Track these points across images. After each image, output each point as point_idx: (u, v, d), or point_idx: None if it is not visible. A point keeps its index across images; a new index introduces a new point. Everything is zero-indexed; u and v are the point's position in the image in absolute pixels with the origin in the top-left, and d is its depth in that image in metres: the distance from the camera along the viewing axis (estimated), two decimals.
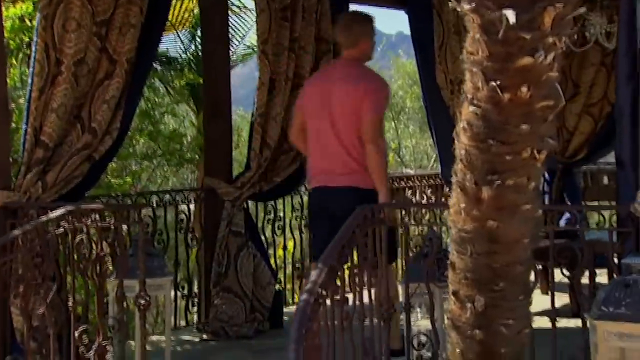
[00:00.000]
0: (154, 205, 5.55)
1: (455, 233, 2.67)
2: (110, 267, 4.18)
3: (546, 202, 6.73)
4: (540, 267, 5.23)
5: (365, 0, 6.81)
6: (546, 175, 6.78)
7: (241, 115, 14.57)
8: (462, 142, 2.61)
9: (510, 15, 2.39)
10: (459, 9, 2.52)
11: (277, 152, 5.79)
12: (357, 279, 3.41)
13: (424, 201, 7.35)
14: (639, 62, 3.42)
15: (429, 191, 7.54)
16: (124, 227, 4.22)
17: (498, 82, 2.42)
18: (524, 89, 2.46)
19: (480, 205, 2.58)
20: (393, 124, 18.53)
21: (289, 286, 6.61)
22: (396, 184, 7.37)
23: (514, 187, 2.55)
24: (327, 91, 4.59)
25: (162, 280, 4.24)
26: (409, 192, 7.46)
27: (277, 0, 5.66)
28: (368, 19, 4.68)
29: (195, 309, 5.82)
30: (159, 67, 8.22)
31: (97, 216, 3.80)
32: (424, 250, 3.80)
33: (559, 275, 4.13)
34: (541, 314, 4.03)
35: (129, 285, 3.92)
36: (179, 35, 8.40)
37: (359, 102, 4.47)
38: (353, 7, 6.13)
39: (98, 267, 3.75)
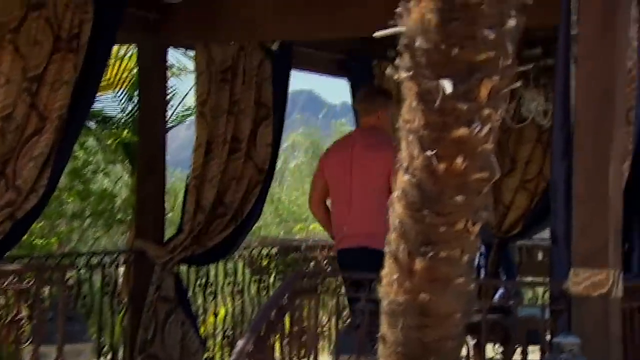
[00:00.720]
0: (79, 267, 5.38)
1: (386, 305, 2.61)
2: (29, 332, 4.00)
3: (482, 276, 6.74)
4: (473, 342, 5.19)
5: (308, 68, 6.86)
6: (482, 249, 6.81)
7: (181, 177, 14.45)
8: (396, 211, 2.57)
9: (447, 85, 2.39)
10: (396, 77, 2.51)
11: (212, 215, 5.71)
12: (289, 349, 3.32)
13: None
14: (573, 138, 3.44)
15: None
16: (46, 289, 4.06)
17: (434, 152, 2.40)
18: (460, 160, 2.45)
19: (413, 277, 2.54)
20: None
21: (218, 355, 6.45)
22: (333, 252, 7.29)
23: (447, 260, 2.52)
24: (348, 158, 4.82)
25: (83, 346, 4.07)
26: None
27: (217, 63, 5.65)
28: (388, 94, 5.07)
29: None
30: (93, 125, 8.11)
31: (16, 278, 3.64)
32: (355, 321, 3.73)
33: (492, 352, 4.09)
34: None
35: (47, 352, 3.75)
36: (117, 95, 8.33)
37: (382, 168, 4.68)
38: (295, 73, 6.16)
39: (14, 332, 3.57)
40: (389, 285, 2.61)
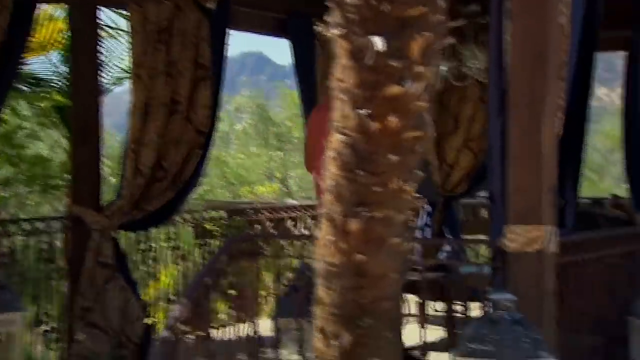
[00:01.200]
0: (13, 234, 5.27)
1: (322, 267, 2.59)
2: None
3: (429, 235, 6.77)
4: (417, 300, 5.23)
5: (247, 28, 6.75)
6: (428, 207, 6.85)
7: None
8: (330, 172, 2.54)
9: (379, 42, 2.35)
10: (327, 34, 2.47)
11: (151, 180, 5.61)
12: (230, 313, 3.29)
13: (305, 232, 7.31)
14: (508, 96, 3.44)
15: (311, 222, 7.50)
16: None
17: (367, 111, 2.37)
18: (393, 119, 2.42)
19: (348, 238, 2.52)
20: (279, 153, 18.53)
21: (161, 321, 6.39)
22: (279, 214, 7.28)
23: (382, 220, 2.50)
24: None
25: (13, 315, 3.98)
26: (291, 223, 7.39)
27: (152, 22, 5.52)
28: None
29: (57, 345, 5.53)
30: (26, 89, 7.90)
31: None
32: (295, 284, 3.71)
33: (433, 309, 4.11)
34: (414, 348, 4.00)
35: None
36: (50, 57, 8.11)
37: None
38: (234, 33, 6.06)
39: None
40: (324, 247, 2.58)
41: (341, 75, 2.47)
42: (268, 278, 4.44)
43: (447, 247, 5.52)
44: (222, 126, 22.93)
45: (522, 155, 3.42)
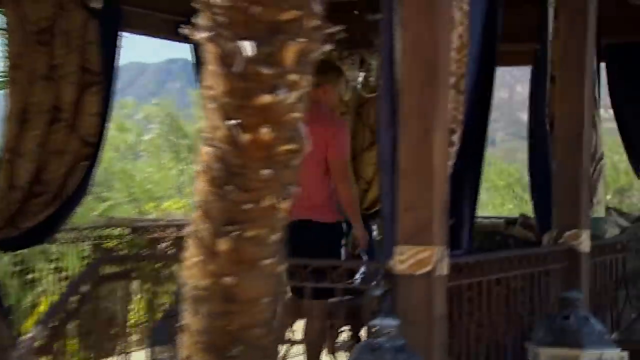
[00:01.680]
0: None
1: (189, 290, 2.50)
2: None
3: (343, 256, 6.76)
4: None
5: (143, 32, 6.61)
6: (344, 226, 6.81)
7: None
8: (199, 187, 2.46)
9: (248, 47, 2.29)
10: (194, 38, 2.39)
11: (29, 194, 5.39)
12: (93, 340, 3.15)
13: None
14: (399, 107, 3.43)
15: None
16: None
17: (237, 121, 2.31)
18: (265, 130, 2.37)
19: (217, 259, 2.46)
20: (192, 167, 18.36)
21: None
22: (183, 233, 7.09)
23: (254, 240, 2.45)
24: None
25: None
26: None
27: (31, 21, 5.32)
28: (340, 70, 5.39)
29: None
30: None
31: None
32: (172, 308, 3.60)
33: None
34: None
35: None
36: None
37: (322, 142, 4.96)
38: (126, 35, 5.90)
39: None
40: (191, 268, 2.50)
41: (210, 82, 2.42)
42: (141, 303, 4.30)
43: (362, 269, 5.51)
44: (129, 137, 22.63)
45: (412, 171, 3.43)
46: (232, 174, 2.34)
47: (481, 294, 3.90)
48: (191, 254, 2.50)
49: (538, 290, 4.43)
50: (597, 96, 5.13)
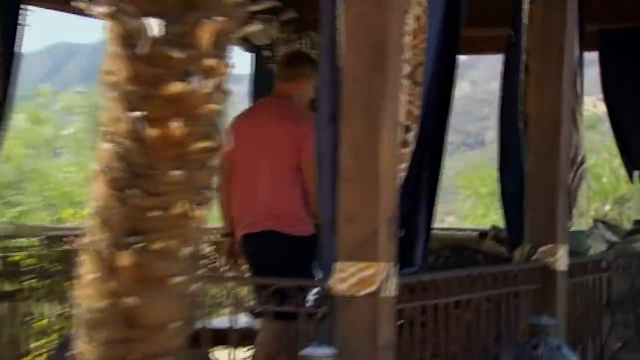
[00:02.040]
0: None
1: (83, 313, 2.49)
2: None
3: None
4: None
5: (51, 6, 6.58)
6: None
7: None
8: (97, 190, 2.46)
9: (155, 25, 2.28)
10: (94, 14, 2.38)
11: None
12: None
13: None
14: (341, 99, 3.47)
15: None
16: None
17: (142, 113, 2.31)
18: (176, 124, 2.37)
19: (117, 276, 2.45)
20: None
21: None
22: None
23: (162, 253, 2.45)
24: (258, 131, 5.02)
25: None
26: None
27: None
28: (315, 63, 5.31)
29: None
30: None
31: None
32: (68, 335, 3.57)
33: None
34: None
35: None
36: None
37: (295, 143, 4.95)
38: (34, 10, 5.87)
39: None
40: (87, 287, 2.49)
41: (111, 66, 2.40)
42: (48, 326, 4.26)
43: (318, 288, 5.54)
44: (46, 131, 22.32)
45: (354, 174, 3.44)
46: (136, 175, 2.34)
47: (437, 318, 3.91)
48: (86, 270, 2.49)
49: (506, 315, 4.46)
50: (579, 90, 5.18)
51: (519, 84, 5.03)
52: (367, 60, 3.41)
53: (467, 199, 25.75)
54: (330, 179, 3.56)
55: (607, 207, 23.78)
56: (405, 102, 3.84)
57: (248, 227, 5.04)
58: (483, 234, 6.57)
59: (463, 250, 6.01)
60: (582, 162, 5.26)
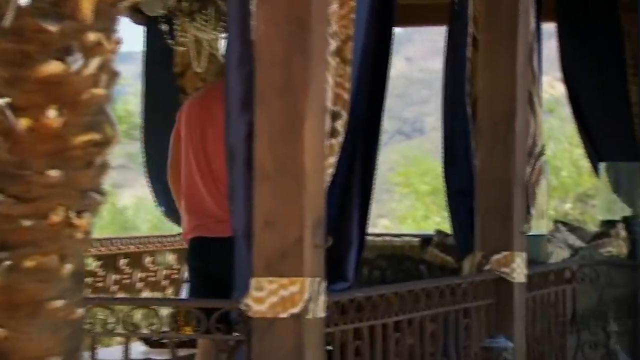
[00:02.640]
0: None
1: None
2: None
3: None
4: None
5: None
6: None
7: None
8: None
9: None
10: None
11: None
12: None
13: None
14: (256, 82, 3.47)
15: None
16: None
17: (8, 100, 2.27)
18: (52, 113, 2.29)
19: None
20: None
21: None
22: None
23: (36, 272, 2.36)
24: (209, 117, 4.98)
25: None
26: None
27: None
28: None
29: None
30: None
31: None
32: None
33: None
34: None
35: None
36: None
37: None
38: None
39: None
40: None
41: None
42: None
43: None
44: None
45: (273, 172, 3.44)
46: (2, 176, 2.31)
47: (373, 343, 3.91)
48: None
49: (455, 337, 4.46)
50: (536, 67, 5.22)
51: (465, 61, 5.07)
52: (285, 34, 3.42)
53: (404, 198, 26.02)
54: (244, 177, 3.57)
55: (568, 206, 24.22)
56: (333, 84, 3.84)
57: (211, 229, 4.97)
58: (426, 241, 6.61)
59: (403, 260, 6.03)
60: (541, 154, 5.29)
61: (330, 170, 3.89)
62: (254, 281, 3.45)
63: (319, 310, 3.48)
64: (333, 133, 3.91)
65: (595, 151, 7.44)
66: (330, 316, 3.62)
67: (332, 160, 3.91)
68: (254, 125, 3.50)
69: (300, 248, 3.42)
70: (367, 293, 3.92)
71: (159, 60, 6.73)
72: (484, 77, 4.92)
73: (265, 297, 3.42)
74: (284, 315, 3.41)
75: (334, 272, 3.85)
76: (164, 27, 6.07)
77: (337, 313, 3.66)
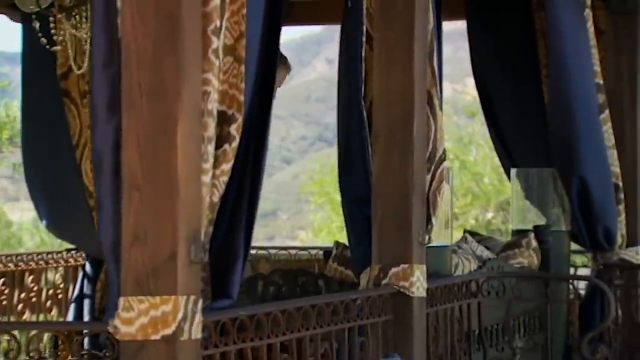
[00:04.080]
0: None
1: None
2: None
3: (88, 311, 6.74)
4: None
5: None
6: (88, 268, 6.72)
7: None
8: None
9: None
10: None
11: None
12: None
13: None
14: (120, 85, 3.41)
15: None
16: None
17: None
18: None
19: None
20: None
21: None
22: None
23: None
24: None
25: None
26: None
27: None
28: (283, 58, 5.74)
29: None
30: None
31: None
32: None
33: None
34: None
35: None
36: None
37: None
38: None
39: None
40: None
41: None
42: None
43: None
44: None
45: (143, 182, 3.38)
46: None
47: None
48: None
49: (349, 358, 4.43)
50: (436, 67, 5.20)
51: (360, 61, 5.04)
52: (154, 32, 3.35)
53: (319, 209, 25.91)
54: (112, 187, 3.51)
55: (490, 215, 24.18)
56: (226, 86, 3.85)
57: None
58: (327, 254, 6.56)
59: (300, 275, 5.96)
60: (442, 160, 5.26)
61: (224, 179, 3.85)
62: (122, 300, 3.38)
63: (195, 330, 3.42)
64: (227, 138, 3.86)
65: (508, 155, 7.44)
66: (209, 337, 3.56)
67: (226, 167, 3.86)
68: (121, 132, 3.43)
69: (173, 264, 3.35)
70: (250, 311, 3.84)
71: (40, 61, 6.59)
72: (379, 78, 4.87)
73: (134, 317, 3.34)
74: (155, 337, 3.33)
75: (216, 288, 3.81)
76: (37, 25, 5.92)
77: (217, 334, 3.61)
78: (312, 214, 26.91)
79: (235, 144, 3.91)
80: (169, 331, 3.34)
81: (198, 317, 3.44)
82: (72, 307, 6.70)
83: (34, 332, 3.61)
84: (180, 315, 3.35)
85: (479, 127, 22.53)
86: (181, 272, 3.37)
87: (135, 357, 3.35)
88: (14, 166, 19.32)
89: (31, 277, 7.41)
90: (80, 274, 6.77)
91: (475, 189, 24.58)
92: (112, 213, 3.52)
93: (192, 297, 3.42)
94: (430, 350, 5.02)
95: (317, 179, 25.13)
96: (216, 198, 3.81)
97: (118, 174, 3.48)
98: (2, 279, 7.32)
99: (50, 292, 7.56)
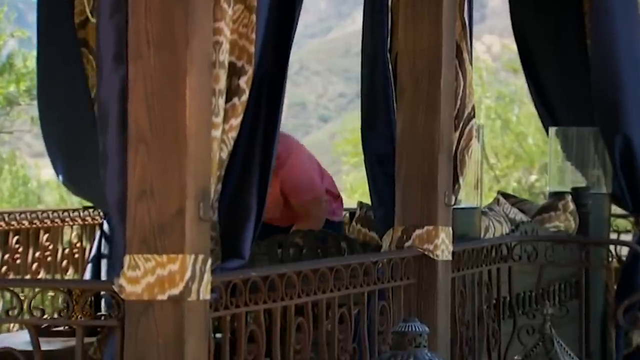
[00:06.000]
0: None
1: None
2: None
3: (104, 271, 6.74)
4: None
5: None
6: (106, 225, 6.77)
7: None
8: None
9: None
10: None
11: None
12: None
13: None
14: (126, 34, 3.40)
15: None
16: None
17: None
18: None
19: None
20: None
21: None
22: None
23: None
24: None
25: None
26: None
27: None
28: None
29: None
30: None
31: None
32: None
33: None
34: None
35: None
36: None
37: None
38: None
39: None
40: None
41: None
42: None
43: None
44: None
45: (150, 135, 3.40)
46: None
47: (271, 330, 3.90)
48: None
49: (369, 323, 4.47)
50: (466, 18, 5.18)
51: (386, 11, 5.03)
52: None
53: (353, 169, 25.83)
54: (118, 140, 3.53)
55: (534, 177, 24.00)
56: (236, 36, 3.84)
57: None
58: (352, 215, 6.58)
59: (322, 237, 5.99)
60: (471, 117, 5.26)
61: (232, 134, 3.86)
62: (127, 259, 3.41)
63: (204, 291, 3.45)
64: (236, 91, 3.87)
65: (549, 113, 7.42)
66: (220, 298, 3.59)
67: (235, 122, 3.86)
68: (127, 83, 3.45)
69: (181, 221, 3.37)
70: (263, 272, 3.87)
71: (57, 8, 6.61)
72: (406, 29, 4.87)
73: (140, 276, 3.37)
74: (161, 297, 3.36)
75: (227, 248, 3.83)
76: None
77: (227, 295, 3.63)
78: (345, 175, 26.86)
79: (244, 97, 3.91)
80: (176, 291, 3.37)
81: (207, 277, 3.47)
82: (88, 267, 6.74)
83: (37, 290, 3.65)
84: (188, 275, 3.38)
85: (521, 83, 22.39)
86: (189, 230, 3.40)
87: (141, 317, 3.38)
88: (32, 119, 19.32)
89: (46, 236, 7.47)
90: (98, 233, 6.81)
91: (517, 150, 24.47)
92: (117, 167, 3.54)
93: (201, 256, 3.45)
94: (456, 317, 5.05)
95: (351, 137, 25.00)
96: (224, 154, 3.82)
97: (124, 127, 3.51)
98: (16, 237, 7.39)
99: (67, 251, 7.62)
